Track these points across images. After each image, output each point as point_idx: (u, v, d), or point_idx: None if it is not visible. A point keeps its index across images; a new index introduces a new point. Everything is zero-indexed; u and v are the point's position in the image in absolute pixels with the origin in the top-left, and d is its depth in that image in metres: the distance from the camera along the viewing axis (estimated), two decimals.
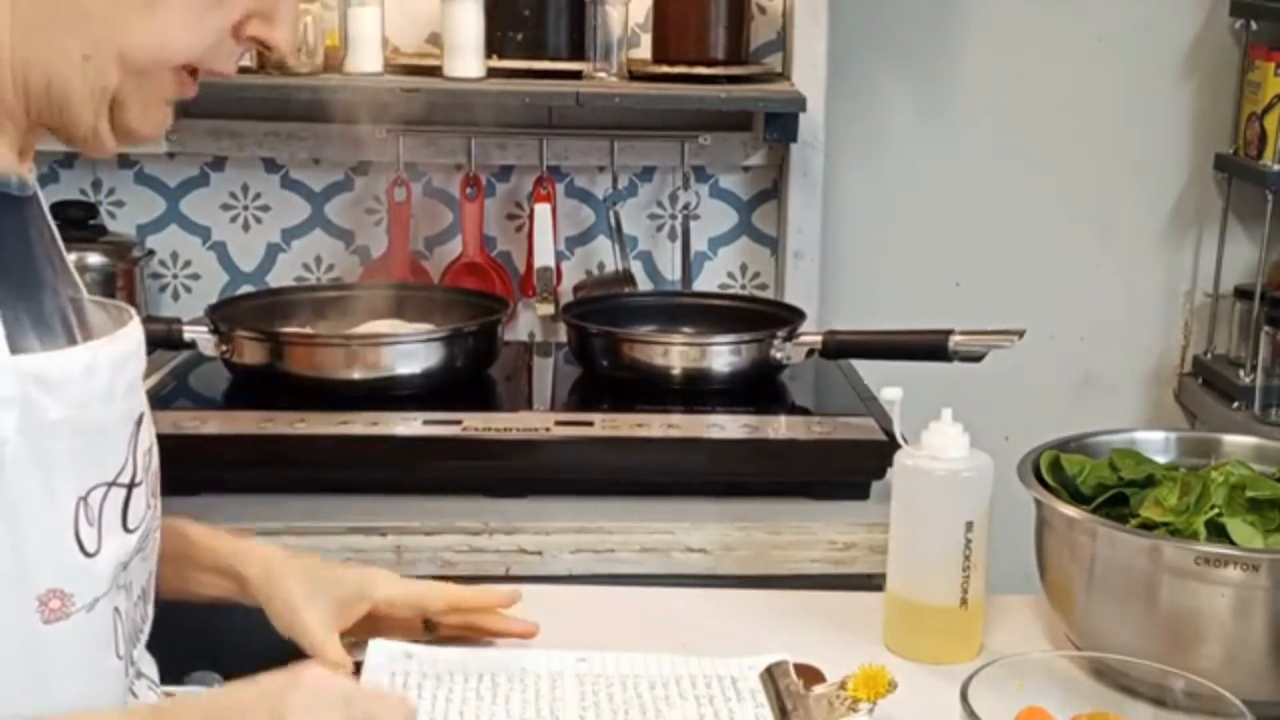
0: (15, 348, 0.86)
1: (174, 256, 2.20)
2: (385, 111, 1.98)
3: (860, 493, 1.60)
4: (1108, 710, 1.00)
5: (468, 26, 1.94)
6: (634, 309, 1.94)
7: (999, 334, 1.62)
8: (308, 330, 1.81)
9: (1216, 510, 1.13)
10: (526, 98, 1.94)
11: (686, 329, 1.87)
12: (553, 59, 2.00)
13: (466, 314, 1.82)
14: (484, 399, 1.76)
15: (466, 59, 1.95)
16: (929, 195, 2.30)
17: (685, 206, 2.17)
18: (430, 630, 1.19)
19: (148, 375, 1.77)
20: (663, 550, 1.54)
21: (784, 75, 2.12)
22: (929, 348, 1.65)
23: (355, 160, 2.16)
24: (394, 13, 2.04)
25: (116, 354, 0.94)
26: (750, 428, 1.61)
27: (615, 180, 2.15)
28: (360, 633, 1.16)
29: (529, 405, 1.79)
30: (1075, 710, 0.99)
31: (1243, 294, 2.27)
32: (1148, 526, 1.15)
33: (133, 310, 1.02)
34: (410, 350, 1.69)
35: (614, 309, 1.91)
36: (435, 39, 2.07)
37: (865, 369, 1.83)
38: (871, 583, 1.43)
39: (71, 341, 0.94)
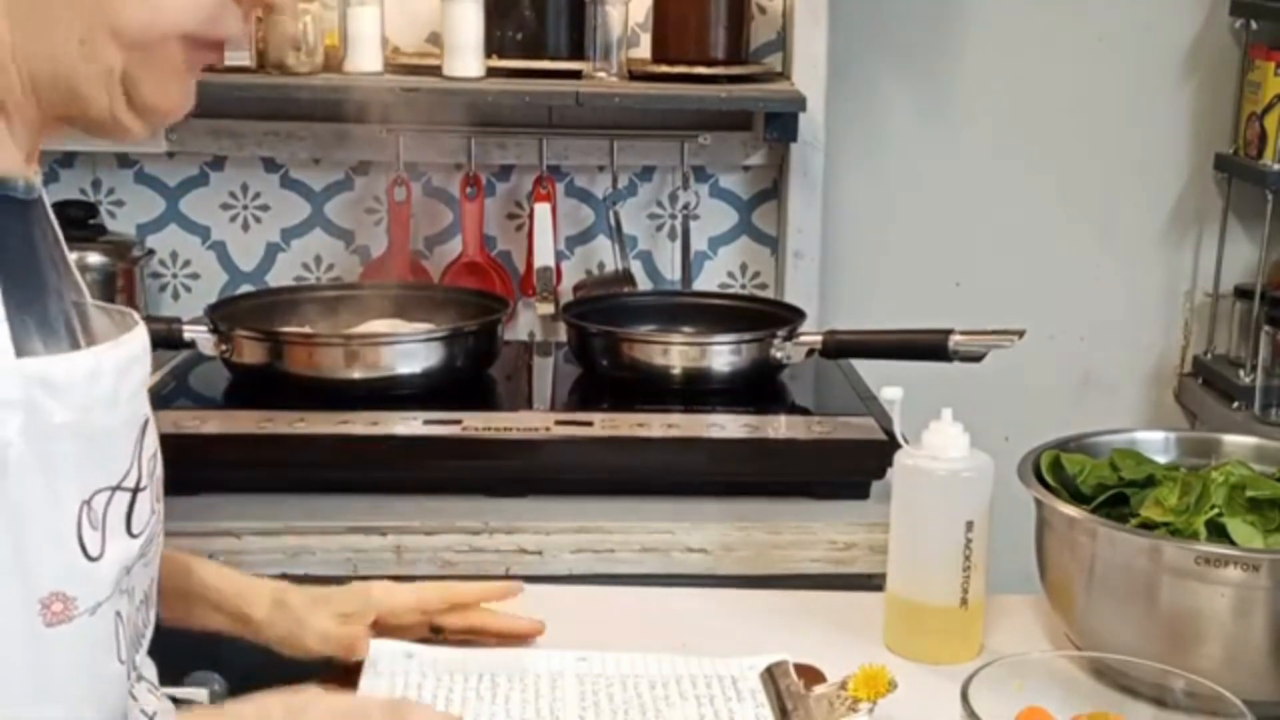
0: (20, 351, 0.86)
1: (174, 256, 2.20)
2: (385, 111, 1.98)
3: (860, 492, 1.60)
4: (1108, 710, 1.00)
5: (468, 26, 1.94)
6: (634, 309, 1.94)
7: (999, 334, 1.62)
8: (307, 330, 1.81)
9: (1217, 510, 1.13)
10: (526, 97, 1.94)
11: (686, 329, 1.87)
12: (553, 59, 2.00)
13: (466, 314, 1.82)
14: (484, 399, 1.76)
15: (466, 59, 1.95)
16: (929, 195, 2.30)
17: (685, 206, 2.17)
18: (436, 634, 1.19)
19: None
20: (663, 550, 1.54)
21: (784, 75, 2.12)
22: (929, 348, 1.65)
23: (355, 160, 2.16)
24: (394, 12, 2.04)
25: (121, 359, 0.94)
26: (750, 427, 1.61)
27: (615, 180, 2.15)
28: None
29: (529, 405, 1.79)
30: (1075, 710, 0.99)
31: (1243, 294, 2.27)
32: (1148, 526, 1.15)
33: (137, 316, 1.02)
34: (410, 350, 1.69)
35: (614, 309, 1.91)
36: (435, 38, 2.06)
37: (865, 369, 1.83)
38: (871, 583, 1.43)
39: (75, 345, 0.93)
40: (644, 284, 2.19)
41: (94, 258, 2.01)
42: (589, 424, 1.61)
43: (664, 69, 2.02)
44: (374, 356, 1.66)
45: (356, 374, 1.65)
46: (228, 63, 1.93)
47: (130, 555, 0.95)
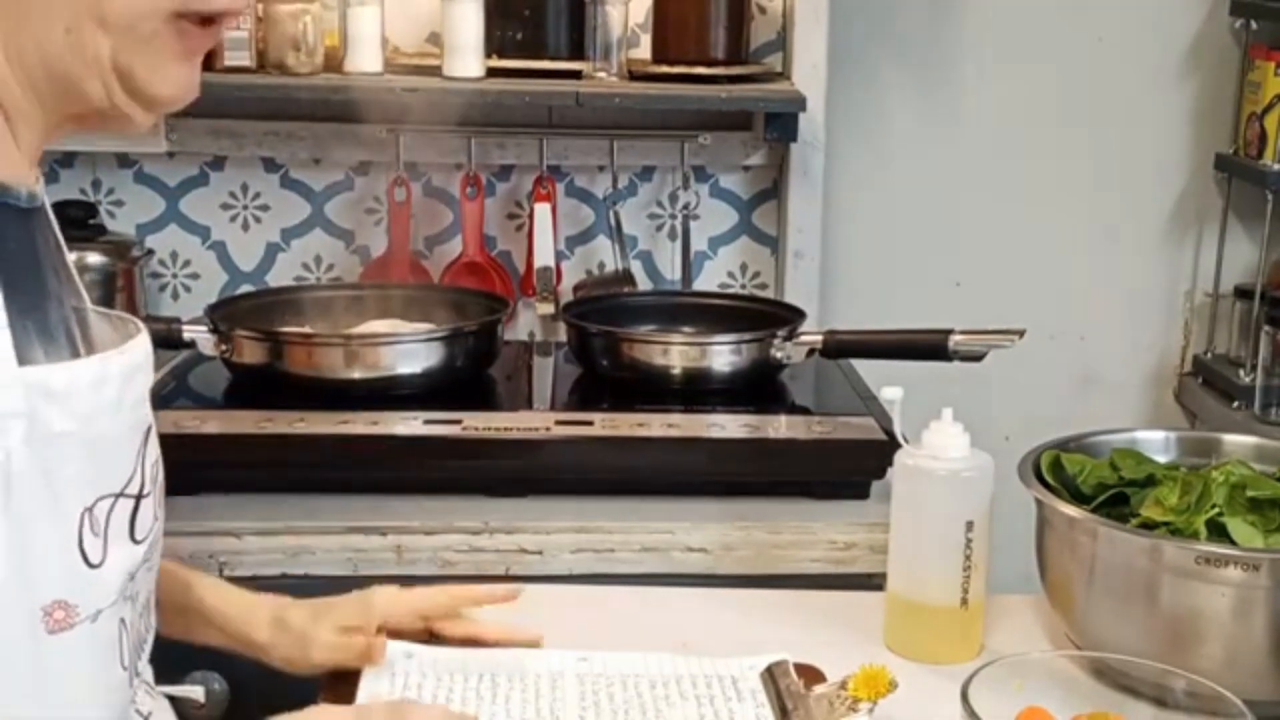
0: (21, 359, 0.86)
1: (173, 256, 2.20)
2: (385, 111, 1.98)
3: (860, 492, 1.60)
4: (1108, 710, 1.00)
5: (468, 26, 1.94)
6: (634, 308, 1.94)
7: (999, 334, 1.62)
8: (307, 330, 1.81)
9: (1217, 510, 1.13)
10: (526, 97, 1.94)
11: (686, 328, 1.87)
12: (553, 59, 2.00)
13: (466, 314, 1.82)
14: (484, 399, 1.76)
15: (466, 59, 1.95)
16: (929, 195, 2.30)
17: (685, 206, 2.17)
18: (435, 636, 1.20)
19: None
20: (663, 550, 1.54)
21: (784, 75, 2.12)
22: (929, 347, 1.65)
23: (355, 160, 2.16)
24: (394, 12, 2.04)
25: (126, 366, 0.94)
26: (750, 427, 1.61)
27: (615, 180, 2.15)
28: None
29: (529, 405, 1.79)
30: (1076, 710, 0.99)
31: (1243, 294, 2.27)
32: (1148, 526, 1.15)
33: (140, 323, 1.01)
34: (410, 350, 1.69)
35: (614, 308, 1.91)
36: (435, 39, 2.06)
37: (865, 369, 1.83)
38: (872, 582, 1.43)
39: (74, 353, 0.93)
40: (644, 284, 2.19)
41: (94, 258, 2.01)
42: (589, 424, 1.61)
43: (664, 69, 2.02)
44: (374, 356, 1.66)
45: (356, 374, 1.65)
46: (228, 63, 1.93)
47: (134, 561, 0.95)
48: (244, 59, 1.93)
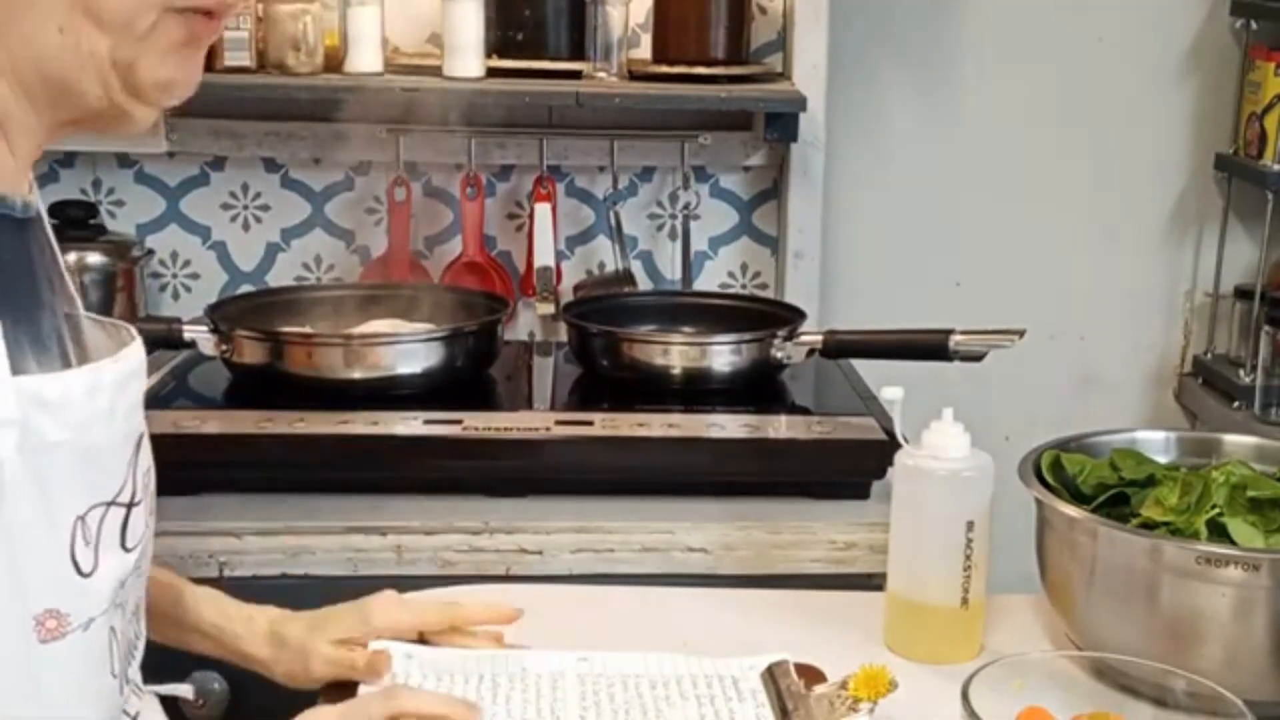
0: (14, 369, 0.86)
1: (174, 256, 2.20)
2: (385, 111, 1.98)
3: (861, 492, 1.60)
4: (1108, 710, 1.00)
5: (468, 26, 1.94)
6: (634, 309, 1.94)
7: (999, 334, 1.62)
8: (307, 330, 1.81)
9: (1217, 510, 1.13)
10: (526, 97, 1.94)
11: (687, 329, 1.87)
12: (553, 59, 2.00)
13: (467, 314, 1.82)
14: (484, 399, 1.76)
15: (466, 59, 1.95)
16: (929, 195, 2.30)
17: (685, 206, 2.17)
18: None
19: (147, 375, 1.77)
20: (663, 550, 1.53)
21: (784, 75, 2.12)
22: (929, 347, 1.65)
23: (355, 160, 2.16)
24: (394, 12, 2.04)
25: (119, 375, 0.93)
26: (751, 427, 1.61)
27: (615, 180, 2.15)
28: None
29: (529, 405, 1.79)
30: (1076, 710, 0.99)
31: (1243, 294, 2.27)
32: (1148, 526, 1.15)
33: (134, 330, 1.01)
34: (410, 350, 1.69)
35: (614, 309, 1.91)
36: (435, 39, 2.06)
37: (865, 369, 1.83)
38: (872, 583, 1.43)
39: (66, 362, 0.93)
40: (644, 284, 2.19)
41: (94, 258, 2.01)
42: (589, 424, 1.61)
43: (664, 69, 2.02)
44: (374, 356, 1.66)
45: (356, 374, 1.65)
46: (228, 63, 1.93)
47: (125, 570, 0.95)
48: (244, 59, 1.93)
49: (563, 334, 1.94)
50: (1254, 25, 2.20)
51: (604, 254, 2.19)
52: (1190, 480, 1.18)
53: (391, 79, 1.97)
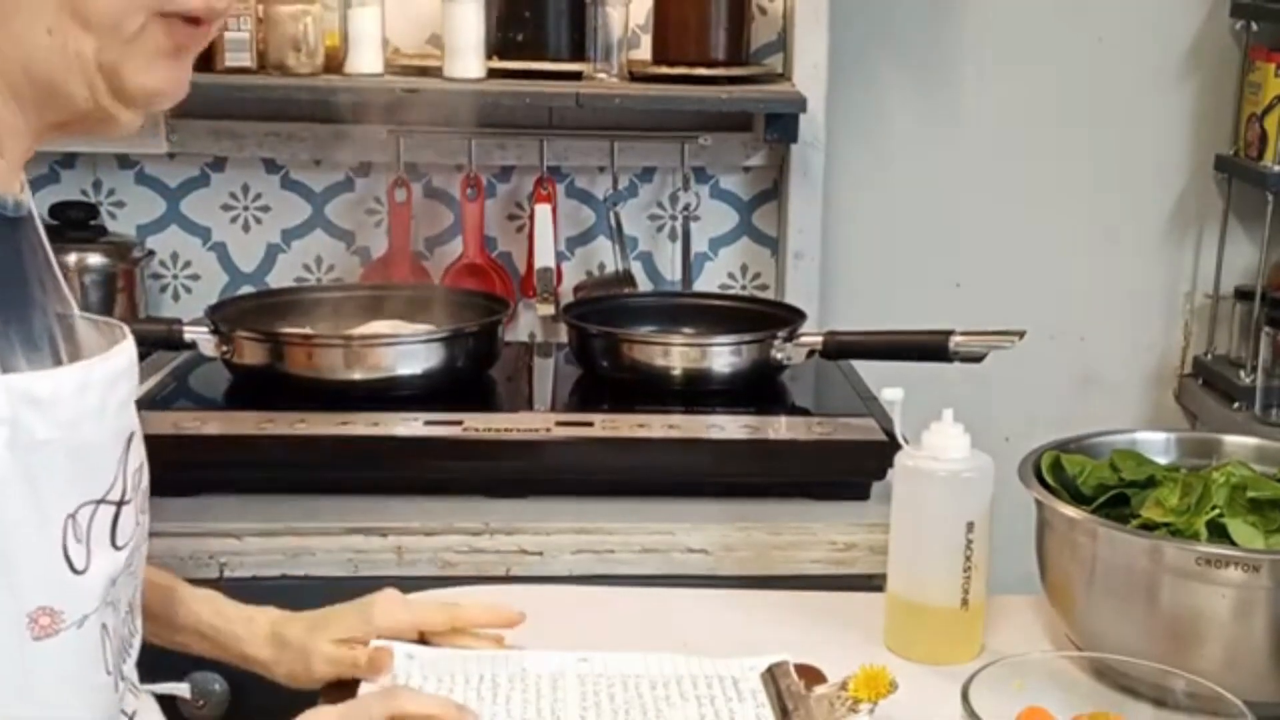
0: (4, 367, 0.86)
1: (174, 257, 2.20)
2: (386, 112, 1.98)
3: (861, 493, 1.60)
4: (1108, 710, 1.00)
5: (468, 27, 1.94)
6: (634, 309, 1.94)
7: (999, 334, 1.62)
8: (308, 331, 1.81)
9: (1217, 511, 1.13)
10: (527, 98, 1.94)
11: (687, 329, 1.87)
12: (553, 59, 2.00)
13: (467, 314, 1.82)
14: (484, 399, 1.76)
15: (467, 59, 1.95)
16: (929, 195, 2.30)
17: (685, 207, 2.16)
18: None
19: (148, 376, 1.78)
20: (663, 551, 1.54)
21: (784, 76, 2.12)
22: (929, 348, 1.65)
23: (356, 161, 2.16)
24: (394, 13, 2.04)
25: (109, 372, 0.93)
26: (751, 428, 1.61)
27: (615, 181, 2.15)
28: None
29: (529, 406, 1.79)
30: (1076, 710, 0.99)
31: (1243, 295, 2.27)
32: (1148, 527, 1.15)
33: (126, 328, 1.01)
34: (411, 351, 1.69)
35: (614, 309, 1.91)
36: (436, 39, 2.06)
37: (866, 369, 1.83)
38: (872, 583, 1.43)
39: (57, 361, 0.93)
40: (644, 285, 2.19)
41: (94, 259, 2.01)
42: (589, 425, 1.61)
43: (664, 70, 2.02)
44: (374, 357, 1.66)
45: (357, 375, 1.65)
46: (228, 64, 1.93)
47: (116, 568, 0.94)
48: (244, 60, 1.94)
49: (563, 335, 1.94)
50: (1254, 26, 2.21)
51: (604, 255, 2.19)
52: (1190, 481, 1.18)
53: (392, 80, 1.97)
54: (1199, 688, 0.97)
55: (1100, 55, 2.28)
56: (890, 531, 1.23)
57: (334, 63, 1.98)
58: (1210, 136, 2.29)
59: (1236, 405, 2.18)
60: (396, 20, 2.06)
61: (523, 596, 1.23)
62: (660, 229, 2.22)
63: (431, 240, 2.20)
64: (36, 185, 2.11)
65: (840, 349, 1.74)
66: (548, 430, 1.58)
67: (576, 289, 2.13)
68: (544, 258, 2.08)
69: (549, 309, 2.10)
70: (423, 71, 2.00)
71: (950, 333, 1.63)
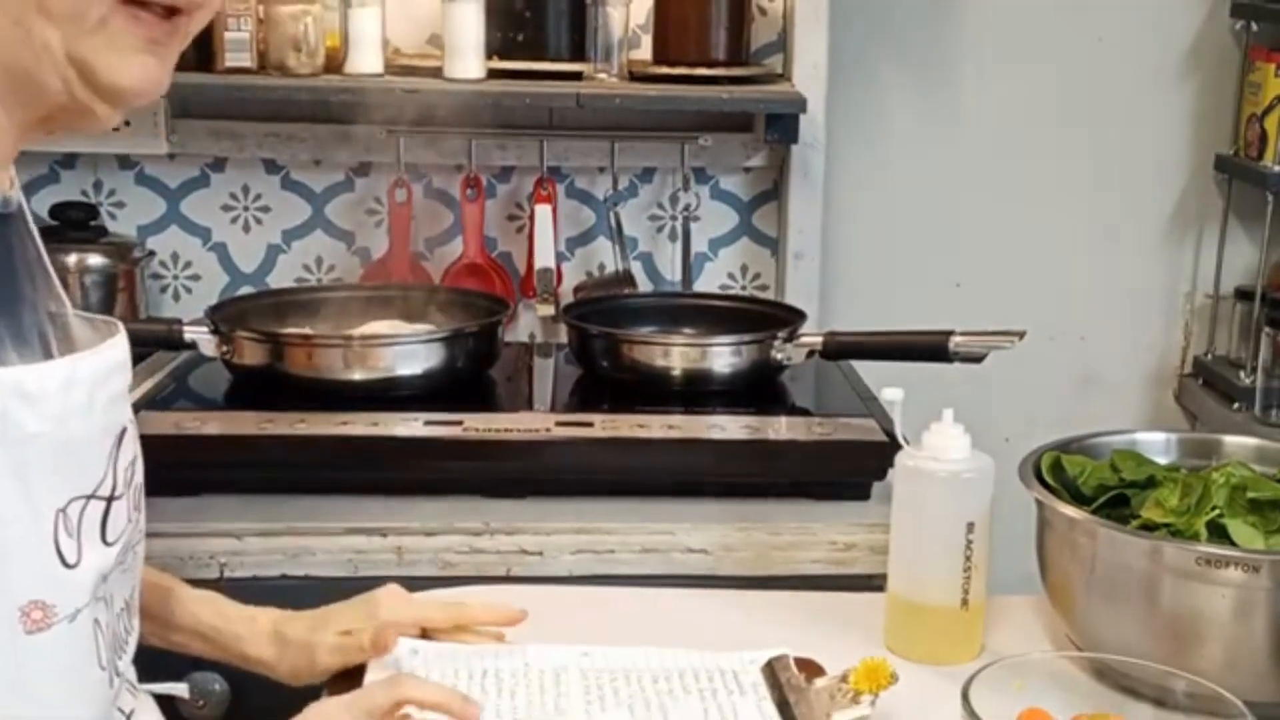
0: None
1: (174, 257, 2.20)
2: (386, 112, 1.98)
3: (861, 493, 1.60)
4: (1109, 711, 1.00)
5: (468, 27, 1.94)
6: (634, 310, 1.94)
7: (999, 334, 1.62)
8: (308, 331, 1.81)
9: (1217, 511, 1.13)
10: (527, 99, 1.94)
11: (687, 330, 1.87)
12: (553, 60, 2.00)
13: (467, 315, 1.82)
14: (484, 400, 1.76)
15: (467, 60, 1.95)
16: (929, 195, 2.30)
17: (686, 207, 2.16)
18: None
19: (149, 376, 1.78)
20: (663, 551, 1.54)
21: (784, 76, 2.12)
22: (929, 348, 1.65)
23: (356, 161, 2.16)
24: (394, 13, 2.04)
25: (98, 368, 0.93)
26: (751, 429, 1.61)
27: (616, 181, 2.15)
28: None
29: (529, 406, 1.79)
30: (1076, 711, 0.99)
31: (1243, 295, 2.27)
32: (1149, 527, 1.15)
33: (119, 325, 1.00)
34: (411, 351, 1.69)
35: (614, 310, 1.91)
36: (436, 40, 2.07)
37: (866, 370, 1.83)
38: (872, 583, 1.43)
39: (49, 357, 0.93)
40: (644, 285, 2.19)
41: (95, 259, 2.01)
42: (589, 425, 1.61)
43: (665, 70, 2.02)
44: (374, 358, 1.66)
45: (357, 375, 1.65)
46: (229, 64, 1.93)
47: (107, 563, 0.94)
48: (245, 60, 1.94)
49: (563, 335, 1.94)
50: (1254, 26, 2.20)
51: (604, 255, 2.19)
52: (1190, 481, 1.18)
53: (392, 80, 1.97)
54: (1199, 688, 0.98)
55: (1100, 55, 2.28)
56: (890, 531, 1.23)
57: (334, 63, 1.98)
58: (1210, 136, 2.29)
59: (1236, 405, 2.18)
60: (396, 20, 2.06)
61: (523, 597, 1.23)
62: (660, 229, 2.22)
63: (431, 240, 2.20)
64: (37, 185, 2.12)
65: (840, 349, 1.74)
66: (548, 430, 1.59)
67: (576, 289, 2.13)
68: (544, 258, 2.08)
69: (549, 309, 2.10)
70: (423, 72, 2.00)
71: (950, 333, 1.63)
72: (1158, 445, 1.30)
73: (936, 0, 2.24)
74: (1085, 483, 1.23)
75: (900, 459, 1.21)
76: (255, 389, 1.68)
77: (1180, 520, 1.14)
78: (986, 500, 1.20)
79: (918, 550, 1.21)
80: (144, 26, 0.88)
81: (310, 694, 1.12)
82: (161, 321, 1.72)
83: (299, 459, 1.57)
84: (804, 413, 1.71)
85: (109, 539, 0.95)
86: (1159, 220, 2.34)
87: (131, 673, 1.06)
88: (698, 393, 1.70)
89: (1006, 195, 2.31)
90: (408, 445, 1.57)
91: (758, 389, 1.74)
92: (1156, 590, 1.09)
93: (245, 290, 2.14)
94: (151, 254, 2.15)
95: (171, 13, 0.89)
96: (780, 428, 1.63)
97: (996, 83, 2.27)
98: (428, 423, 1.59)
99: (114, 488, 0.95)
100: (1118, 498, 1.21)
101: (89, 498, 0.92)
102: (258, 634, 1.17)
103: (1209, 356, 2.33)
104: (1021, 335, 1.61)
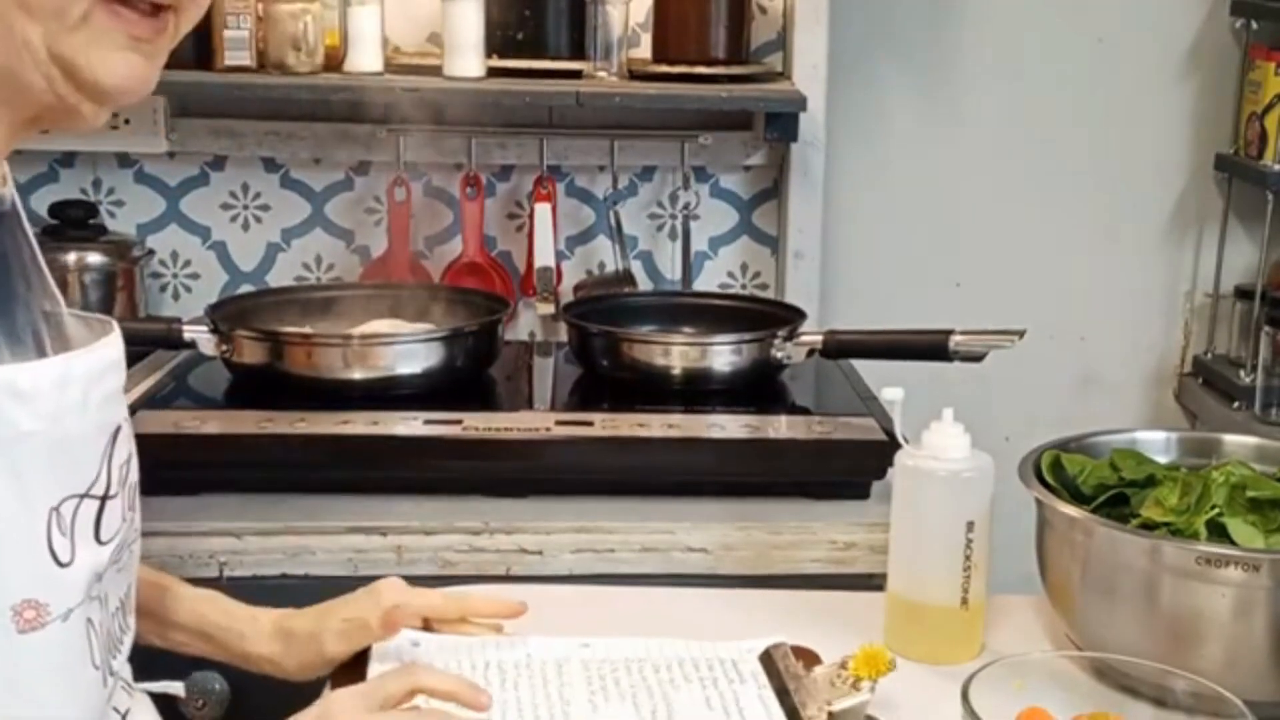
0: None
1: (174, 256, 2.20)
2: (385, 111, 1.98)
3: (861, 492, 1.60)
4: (1108, 710, 1.00)
5: (468, 26, 1.94)
6: (634, 309, 1.94)
7: (999, 334, 1.62)
8: (307, 330, 1.81)
9: (1217, 510, 1.13)
10: (527, 97, 1.94)
11: (687, 329, 1.87)
12: (553, 58, 2.00)
13: (467, 314, 1.82)
14: (484, 399, 1.76)
15: (467, 58, 1.95)
16: (929, 195, 2.30)
17: (685, 206, 2.16)
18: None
19: (148, 375, 1.77)
20: (663, 550, 1.54)
21: (784, 75, 2.12)
22: (929, 348, 1.65)
23: (355, 160, 2.16)
24: (394, 12, 2.04)
25: (92, 366, 0.93)
26: (751, 428, 1.61)
27: (615, 180, 2.15)
28: None
29: (529, 405, 1.79)
30: (1076, 710, 0.99)
31: (1243, 294, 2.27)
32: (1148, 526, 1.15)
33: (114, 323, 1.00)
34: (410, 350, 1.69)
35: (614, 309, 1.91)
36: (435, 38, 2.06)
37: (866, 369, 1.83)
38: (872, 583, 1.43)
39: (42, 355, 0.93)
40: (644, 284, 2.19)
41: (94, 258, 2.01)
42: (589, 424, 1.61)
43: (664, 69, 2.02)
44: (374, 357, 1.66)
45: (357, 374, 1.65)
46: (228, 63, 1.93)
47: (100, 563, 0.94)
48: (244, 59, 1.94)
49: (563, 334, 1.94)
50: (1254, 25, 2.20)
51: (604, 254, 2.19)
52: (1190, 480, 1.18)
53: (391, 79, 1.97)
54: (1199, 687, 0.97)
55: (1100, 55, 2.27)
56: (890, 531, 1.23)
57: (334, 62, 1.98)
58: (1210, 136, 2.29)
59: (1236, 405, 2.18)
60: (396, 19, 2.06)
61: (523, 596, 1.23)
62: (660, 228, 2.22)
63: (431, 239, 2.19)
64: (36, 184, 2.11)
65: (840, 348, 1.74)
66: (547, 430, 1.58)
67: (576, 288, 2.13)
68: (544, 257, 2.08)
69: (549, 308, 2.10)
70: (422, 70, 2.00)
71: (950, 332, 1.63)
72: (1158, 444, 1.30)
73: (936, 0, 2.24)
74: (1085, 482, 1.23)
75: (900, 458, 1.21)
76: (255, 388, 1.68)
77: (1180, 519, 1.14)
78: (986, 500, 1.20)
79: (918, 549, 1.21)
80: (127, 23, 0.87)
81: (312, 693, 1.11)
82: (161, 320, 1.72)
83: (299, 458, 1.57)
84: (804, 412, 1.71)
85: (103, 538, 0.94)
86: (1159, 220, 2.34)
87: (127, 671, 1.06)
88: (698, 392, 1.70)
89: (1006, 195, 2.31)
90: (407, 444, 1.57)
91: (758, 388, 1.74)
92: (1156, 589, 1.09)
93: (245, 289, 2.14)
94: (151, 253, 2.15)
95: (157, 9, 0.88)
96: (780, 427, 1.63)
97: (996, 83, 2.27)
98: (427, 422, 1.59)
99: (108, 487, 0.95)
100: (1117, 497, 1.21)
101: (83, 496, 0.92)
102: (261, 632, 1.17)
103: (1209, 356, 2.33)
104: (1021, 335, 1.61)
